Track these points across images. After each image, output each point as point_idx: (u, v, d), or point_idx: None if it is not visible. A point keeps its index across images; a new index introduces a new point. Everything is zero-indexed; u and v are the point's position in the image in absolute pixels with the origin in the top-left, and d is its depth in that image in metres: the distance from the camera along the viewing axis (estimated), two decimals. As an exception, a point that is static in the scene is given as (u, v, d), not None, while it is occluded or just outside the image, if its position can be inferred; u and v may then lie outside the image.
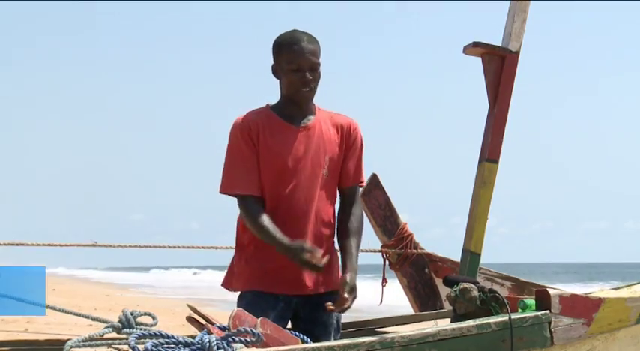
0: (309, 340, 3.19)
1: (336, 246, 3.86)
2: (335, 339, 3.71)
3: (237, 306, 3.54)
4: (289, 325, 3.75)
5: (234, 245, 3.88)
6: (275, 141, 3.69)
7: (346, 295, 3.54)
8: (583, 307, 3.37)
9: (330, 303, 3.54)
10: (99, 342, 3.38)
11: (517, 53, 4.22)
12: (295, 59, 3.66)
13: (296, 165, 3.69)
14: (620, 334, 3.55)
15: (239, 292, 3.78)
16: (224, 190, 3.72)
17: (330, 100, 3.83)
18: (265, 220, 3.61)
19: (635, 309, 3.55)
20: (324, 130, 3.77)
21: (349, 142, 3.82)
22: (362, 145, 3.87)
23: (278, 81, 3.78)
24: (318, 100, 3.82)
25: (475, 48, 4.22)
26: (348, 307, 3.57)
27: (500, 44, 4.28)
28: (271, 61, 3.77)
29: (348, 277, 3.61)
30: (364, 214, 3.98)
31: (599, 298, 3.44)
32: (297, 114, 3.75)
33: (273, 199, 3.69)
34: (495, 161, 4.19)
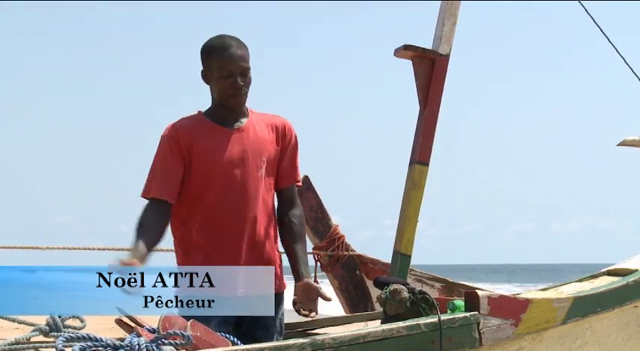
0: (239, 342, 3.18)
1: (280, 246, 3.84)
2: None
3: None
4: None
5: (166, 248, 3.83)
6: (209, 145, 3.66)
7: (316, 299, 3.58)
8: (511, 308, 3.42)
9: (304, 312, 3.56)
10: (25, 346, 3.31)
11: (447, 56, 4.27)
12: (226, 66, 3.63)
13: (232, 167, 3.66)
14: (547, 334, 3.60)
15: None
16: (142, 194, 3.69)
17: (259, 100, 3.80)
18: (145, 224, 3.55)
19: (562, 310, 3.60)
20: (259, 130, 3.75)
21: (284, 141, 3.81)
22: (297, 144, 3.86)
23: (209, 86, 3.75)
24: (248, 101, 3.80)
25: (406, 51, 4.26)
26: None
27: (430, 47, 4.32)
28: (200, 67, 3.74)
29: (311, 282, 3.62)
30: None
31: (527, 299, 3.49)
32: (231, 118, 3.73)
33: (210, 203, 3.66)
34: (426, 163, 4.22)
